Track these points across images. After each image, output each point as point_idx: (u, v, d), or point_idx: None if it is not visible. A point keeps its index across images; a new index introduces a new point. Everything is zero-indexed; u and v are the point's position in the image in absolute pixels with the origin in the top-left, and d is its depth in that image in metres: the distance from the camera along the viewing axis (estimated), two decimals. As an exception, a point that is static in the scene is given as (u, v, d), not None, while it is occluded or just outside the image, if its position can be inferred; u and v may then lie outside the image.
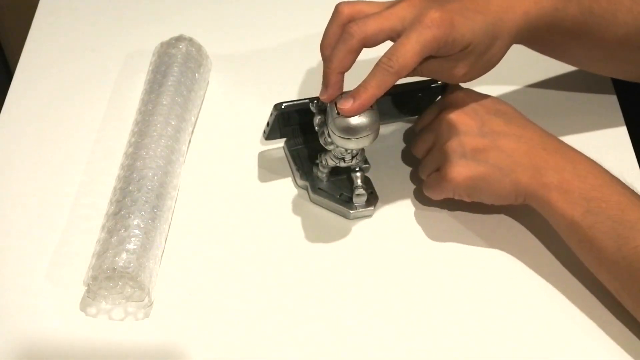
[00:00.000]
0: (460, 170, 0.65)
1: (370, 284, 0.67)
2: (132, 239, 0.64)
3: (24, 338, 0.63)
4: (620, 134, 0.77)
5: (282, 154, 0.76)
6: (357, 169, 0.69)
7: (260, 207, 0.72)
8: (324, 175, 0.71)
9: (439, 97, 0.72)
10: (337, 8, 0.65)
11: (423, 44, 0.61)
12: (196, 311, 0.65)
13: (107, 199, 0.69)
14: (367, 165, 0.71)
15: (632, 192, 0.63)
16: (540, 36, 0.68)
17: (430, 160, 0.69)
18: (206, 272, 0.68)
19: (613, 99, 0.80)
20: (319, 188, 0.72)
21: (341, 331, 0.64)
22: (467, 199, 0.67)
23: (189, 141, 0.76)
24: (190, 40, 0.80)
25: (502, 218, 0.70)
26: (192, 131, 0.77)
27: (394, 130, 0.78)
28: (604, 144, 0.76)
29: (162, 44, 0.79)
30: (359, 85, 0.63)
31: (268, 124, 0.71)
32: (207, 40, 0.81)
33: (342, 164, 0.69)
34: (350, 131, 0.63)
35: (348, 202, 0.70)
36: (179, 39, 0.79)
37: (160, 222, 0.67)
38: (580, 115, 0.78)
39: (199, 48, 0.80)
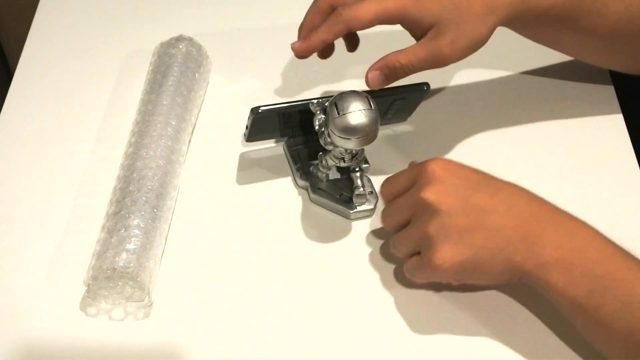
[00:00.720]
0: (446, 255, 0.59)
1: (371, 284, 0.67)
2: (132, 239, 0.64)
3: (24, 338, 0.63)
4: (621, 137, 0.77)
5: (282, 153, 0.76)
6: (357, 169, 0.69)
7: (261, 207, 0.72)
8: (324, 175, 0.71)
9: (418, 97, 0.71)
10: None
11: (384, 7, 0.63)
12: (196, 311, 0.65)
13: (107, 199, 0.69)
14: (367, 165, 0.71)
15: (638, 264, 0.58)
16: (529, 23, 0.67)
17: (406, 239, 0.63)
18: (206, 272, 0.68)
19: (614, 103, 0.79)
20: (319, 188, 0.72)
21: (341, 331, 0.64)
22: (455, 283, 0.63)
23: (189, 141, 0.76)
24: (190, 40, 0.80)
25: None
26: (192, 131, 0.77)
27: (393, 131, 0.78)
28: (604, 145, 0.76)
29: (162, 44, 0.79)
30: (313, 31, 0.67)
31: (247, 127, 0.71)
32: (207, 40, 0.81)
33: (342, 164, 0.69)
34: (350, 131, 0.63)
35: (348, 202, 0.70)
36: (179, 39, 0.79)
37: (160, 222, 0.67)
38: (579, 117, 0.78)
39: (199, 48, 0.80)
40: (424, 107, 0.77)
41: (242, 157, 0.76)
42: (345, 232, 0.70)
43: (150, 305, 0.65)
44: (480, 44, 0.66)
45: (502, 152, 0.75)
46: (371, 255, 0.69)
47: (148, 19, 0.89)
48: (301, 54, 0.67)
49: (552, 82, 0.81)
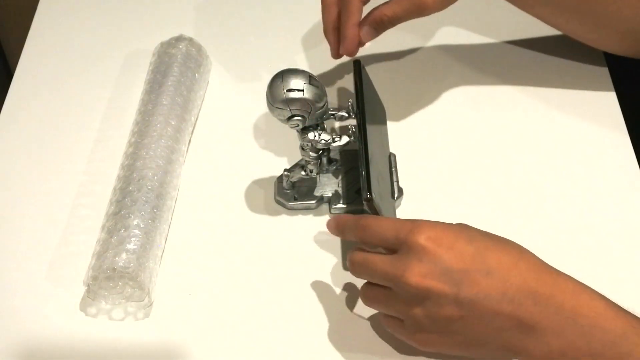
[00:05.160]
0: (432, 342, 0.56)
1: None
2: (132, 239, 0.64)
3: (24, 338, 0.63)
4: (620, 135, 0.76)
5: (280, 154, 0.76)
6: (302, 164, 0.70)
7: (260, 207, 0.72)
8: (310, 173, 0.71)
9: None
10: None
11: None
12: (196, 311, 0.65)
13: (107, 199, 0.69)
14: (311, 168, 0.70)
15: None
16: None
17: (384, 306, 0.58)
18: (206, 272, 0.68)
19: (612, 96, 0.79)
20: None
21: (341, 331, 0.64)
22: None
23: (189, 141, 0.76)
24: (190, 40, 0.80)
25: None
26: (192, 131, 0.77)
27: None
28: (603, 144, 0.76)
29: (162, 44, 0.79)
30: (341, 28, 0.70)
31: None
32: (207, 40, 0.81)
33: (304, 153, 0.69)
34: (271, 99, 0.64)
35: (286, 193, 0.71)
36: (179, 39, 0.79)
37: (160, 222, 0.67)
38: (579, 116, 0.78)
39: (199, 48, 0.80)
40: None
41: (242, 157, 0.76)
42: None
43: (150, 305, 0.65)
44: None
45: (497, 157, 0.76)
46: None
47: (148, 19, 0.89)
48: (353, 52, 0.71)
49: (551, 91, 0.81)
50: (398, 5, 0.69)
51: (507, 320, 0.53)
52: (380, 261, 0.57)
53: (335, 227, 0.62)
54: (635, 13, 0.71)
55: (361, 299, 0.60)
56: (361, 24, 0.70)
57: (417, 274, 0.54)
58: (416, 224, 0.56)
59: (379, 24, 0.70)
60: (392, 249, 0.56)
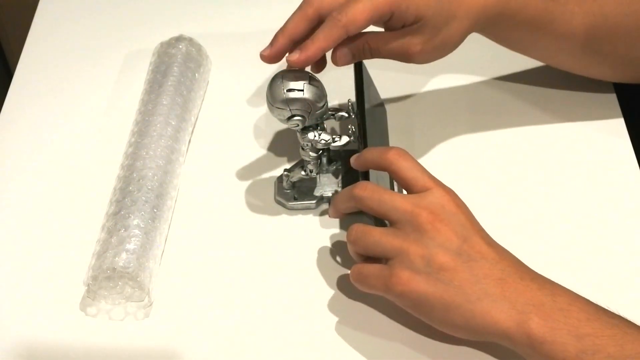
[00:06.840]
0: (410, 282, 0.57)
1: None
2: (132, 239, 0.64)
3: (24, 338, 0.63)
4: (620, 134, 0.76)
5: (280, 154, 0.76)
6: (302, 164, 0.70)
7: (260, 207, 0.72)
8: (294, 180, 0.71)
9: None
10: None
11: (375, 5, 0.61)
12: (196, 311, 0.65)
13: (107, 199, 0.70)
14: (311, 168, 0.70)
15: (622, 320, 0.55)
16: (503, 26, 0.68)
17: (377, 242, 0.60)
18: (206, 272, 0.68)
19: (612, 97, 0.79)
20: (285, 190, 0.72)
21: (341, 331, 0.64)
22: (411, 312, 0.59)
23: (189, 141, 0.76)
24: (190, 40, 0.80)
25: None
26: (192, 131, 0.77)
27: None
28: (604, 145, 0.76)
29: (162, 44, 0.79)
30: (308, 39, 0.62)
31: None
32: (207, 40, 0.81)
33: (304, 153, 0.69)
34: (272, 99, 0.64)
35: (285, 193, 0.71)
36: (179, 39, 0.79)
37: (160, 222, 0.67)
38: (579, 117, 0.78)
39: (199, 48, 0.80)
40: (420, 111, 0.77)
41: (242, 157, 0.76)
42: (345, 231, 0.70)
43: (150, 305, 0.65)
44: (450, 49, 0.67)
45: (497, 156, 0.76)
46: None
47: (148, 19, 0.89)
48: (301, 64, 0.63)
49: (549, 82, 0.81)
50: (384, 42, 0.65)
51: (494, 285, 0.56)
52: (399, 199, 0.59)
53: (340, 201, 0.64)
54: (629, 49, 0.70)
55: (350, 236, 0.62)
56: (341, 44, 0.63)
57: (436, 216, 0.58)
58: (444, 185, 0.61)
59: (360, 52, 0.65)
60: (416, 191, 0.60)
